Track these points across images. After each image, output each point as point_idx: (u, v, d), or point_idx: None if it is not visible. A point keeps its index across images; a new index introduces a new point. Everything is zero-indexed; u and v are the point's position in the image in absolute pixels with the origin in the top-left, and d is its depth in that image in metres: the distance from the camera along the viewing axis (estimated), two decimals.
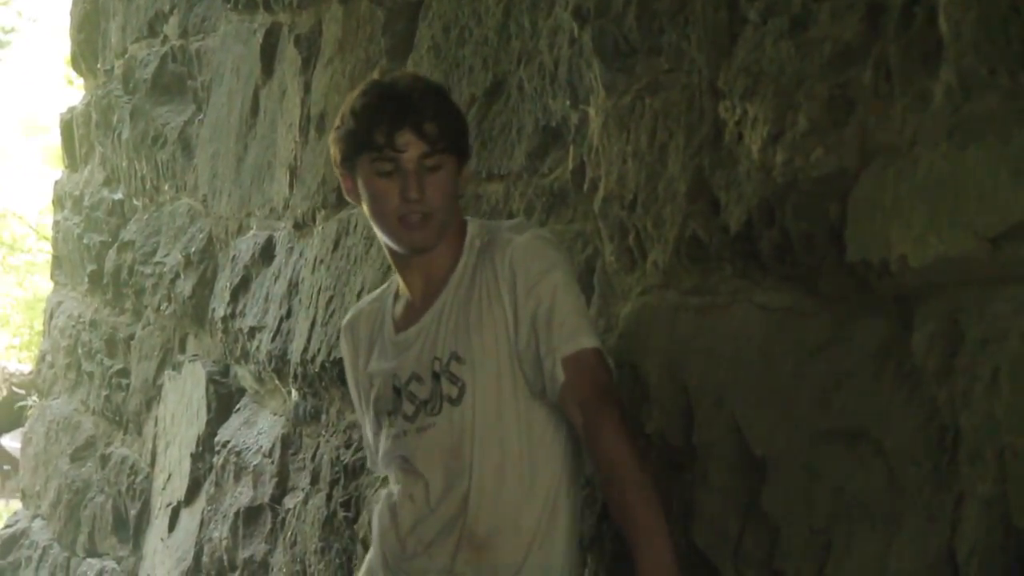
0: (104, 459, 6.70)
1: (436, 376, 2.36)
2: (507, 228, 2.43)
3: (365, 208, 2.42)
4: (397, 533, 2.42)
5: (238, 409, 5.11)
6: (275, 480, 4.45)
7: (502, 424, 2.33)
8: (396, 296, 2.55)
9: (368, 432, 2.57)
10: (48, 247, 14.29)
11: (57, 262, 8.29)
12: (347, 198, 2.50)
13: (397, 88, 2.38)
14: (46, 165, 16.14)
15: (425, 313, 2.41)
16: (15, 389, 14.33)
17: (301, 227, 4.54)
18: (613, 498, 2.25)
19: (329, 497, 3.91)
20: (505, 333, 2.33)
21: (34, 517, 7.83)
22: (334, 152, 2.45)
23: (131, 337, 6.56)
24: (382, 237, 2.44)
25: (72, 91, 13.80)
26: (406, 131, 2.33)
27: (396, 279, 2.54)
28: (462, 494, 2.33)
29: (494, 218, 2.96)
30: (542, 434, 2.36)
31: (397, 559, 2.42)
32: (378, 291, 2.69)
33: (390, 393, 2.42)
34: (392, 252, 2.46)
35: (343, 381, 3.91)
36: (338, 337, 3.91)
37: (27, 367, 14.86)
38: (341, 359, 3.82)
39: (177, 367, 5.84)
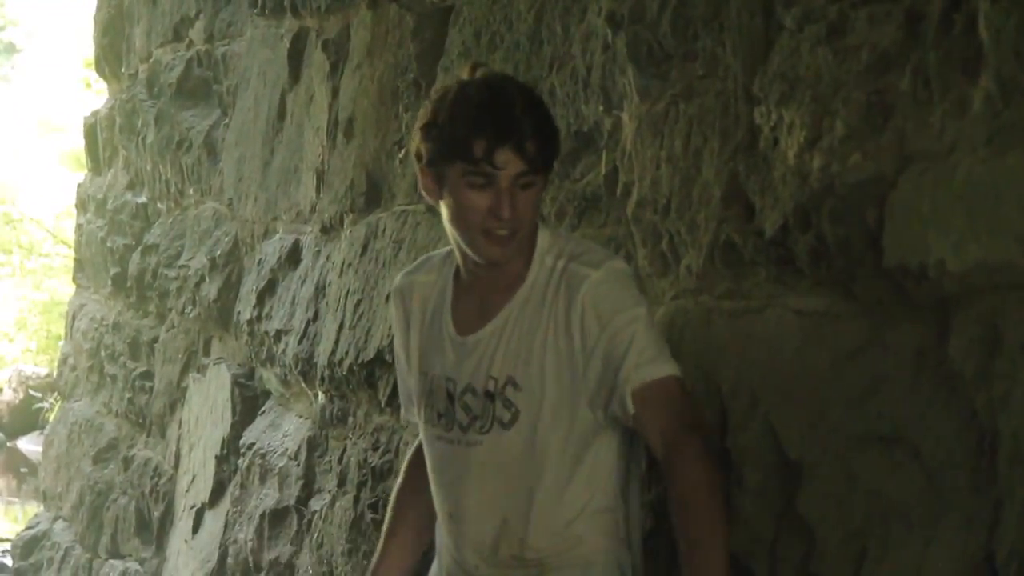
0: (127, 461, 6.72)
1: (490, 395, 2.32)
2: (581, 258, 2.34)
3: (445, 211, 2.34)
4: (449, 550, 2.43)
5: (263, 412, 5.13)
6: (301, 482, 4.46)
7: (552, 455, 2.30)
8: (457, 277, 2.45)
9: (410, 385, 2.52)
10: (65, 251, 14.30)
11: (79, 265, 8.32)
12: (422, 192, 2.42)
13: (499, 98, 2.30)
14: (62, 167, 16.17)
15: (488, 322, 2.35)
16: (31, 392, 14.37)
17: (328, 231, 4.56)
18: (683, 529, 2.21)
19: (356, 499, 3.93)
20: (569, 368, 2.28)
21: (56, 519, 7.86)
22: (420, 148, 2.35)
23: (155, 340, 6.58)
24: (459, 242, 2.37)
25: (90, 95, 13.83)
26: (507, 149, 2.25)
27: (456, 255, 2.44)
28: (506, 517, 2.33)
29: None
30: (595, 467, 2.34)
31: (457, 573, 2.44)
32: (430, 260, 2.56)
33: (444, 397, 2.39)
34: (463, 253, 2.39)
35: (371, 384, 3.94)
36: (367, 340, 3.95)
37: (43, 370, 14.88)
38: (369, 362, 3.89)
39: (201, 370, 5.86)
